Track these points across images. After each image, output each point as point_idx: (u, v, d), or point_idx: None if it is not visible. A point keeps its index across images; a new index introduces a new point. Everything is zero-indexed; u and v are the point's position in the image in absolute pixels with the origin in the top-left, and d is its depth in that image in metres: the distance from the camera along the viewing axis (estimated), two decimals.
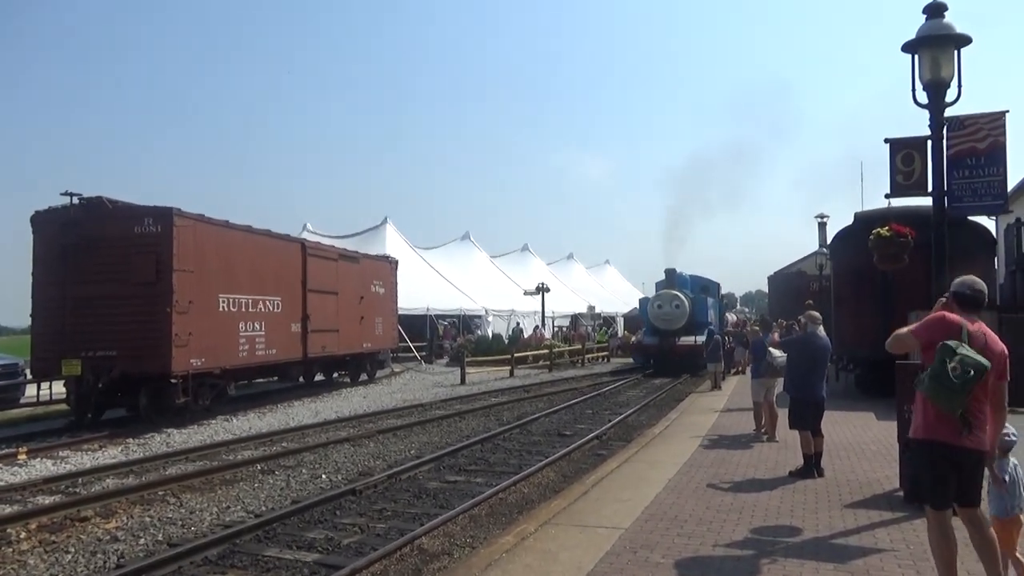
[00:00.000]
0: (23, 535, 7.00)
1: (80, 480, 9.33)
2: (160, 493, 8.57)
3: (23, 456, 11.07)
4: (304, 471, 9.79)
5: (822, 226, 30.32)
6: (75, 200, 13.60)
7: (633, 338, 30.26)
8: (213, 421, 14.64)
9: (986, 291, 4.13)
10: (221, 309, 14.83)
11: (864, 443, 9.86)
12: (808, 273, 36.59)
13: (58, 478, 9.32)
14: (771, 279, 39.35)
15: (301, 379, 21.42)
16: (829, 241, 20.51)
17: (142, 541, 6.77)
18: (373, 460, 10.54)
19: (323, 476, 9.46)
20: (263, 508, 7.92)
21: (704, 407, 14.66)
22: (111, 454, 11.41)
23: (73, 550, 6.51)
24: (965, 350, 3.82)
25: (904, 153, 6.84)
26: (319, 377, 22.61)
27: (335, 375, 23.10)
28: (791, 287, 36.71)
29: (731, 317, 46.42)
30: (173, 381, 13.53)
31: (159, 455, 10.97)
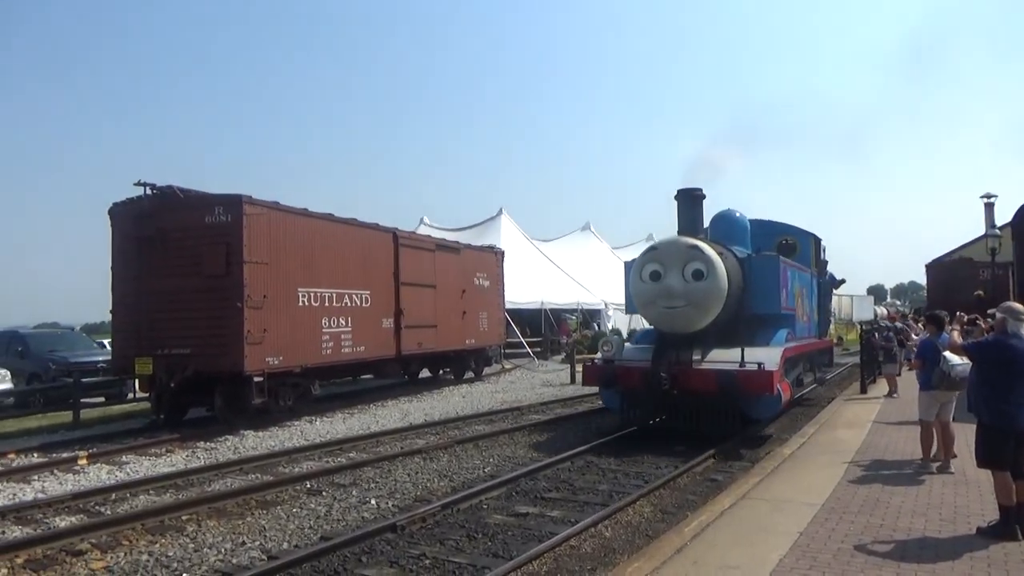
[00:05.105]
0: (3, 571, 5.96)
1: (112, 496, 8.38)
2: (184, 518, 7.39)
3: (83, 461, 10.45)
4: (355, 493, 8.36)
5: (989, 207, 25.72)
6: (147, 191, 12.94)
7: (599, 352, 12.42)
8: (296, 423, 13.73)
9: None
10: (301, 304, 13.83)
11: None
12: (975, 260, 32.15)
13: (88, 493, 8.39)
14: (930, 268, 34.90)
15: (405, 376, 20.49)
16: (1010, 219, 17.07)
17: None
18: (439, 479, 8.99)
19: (372, 501, 7.99)
20: (285, 545, 6.53)
21: (851, 419, 12.08)
22: (172, 461, 10.59)
23: None
24: None
25: None
26: (425, 373, 21.58)
27: (441, 371, 21.95)
28: (955, 276, 32.41)
29: (881, 311, 41.81)
30: (256, 380, 12.68)
31: (214, 465, 9.96)
